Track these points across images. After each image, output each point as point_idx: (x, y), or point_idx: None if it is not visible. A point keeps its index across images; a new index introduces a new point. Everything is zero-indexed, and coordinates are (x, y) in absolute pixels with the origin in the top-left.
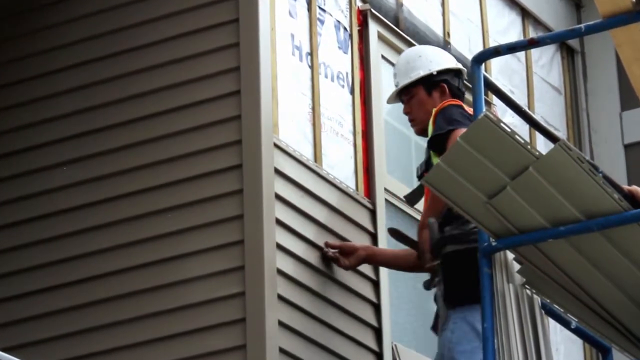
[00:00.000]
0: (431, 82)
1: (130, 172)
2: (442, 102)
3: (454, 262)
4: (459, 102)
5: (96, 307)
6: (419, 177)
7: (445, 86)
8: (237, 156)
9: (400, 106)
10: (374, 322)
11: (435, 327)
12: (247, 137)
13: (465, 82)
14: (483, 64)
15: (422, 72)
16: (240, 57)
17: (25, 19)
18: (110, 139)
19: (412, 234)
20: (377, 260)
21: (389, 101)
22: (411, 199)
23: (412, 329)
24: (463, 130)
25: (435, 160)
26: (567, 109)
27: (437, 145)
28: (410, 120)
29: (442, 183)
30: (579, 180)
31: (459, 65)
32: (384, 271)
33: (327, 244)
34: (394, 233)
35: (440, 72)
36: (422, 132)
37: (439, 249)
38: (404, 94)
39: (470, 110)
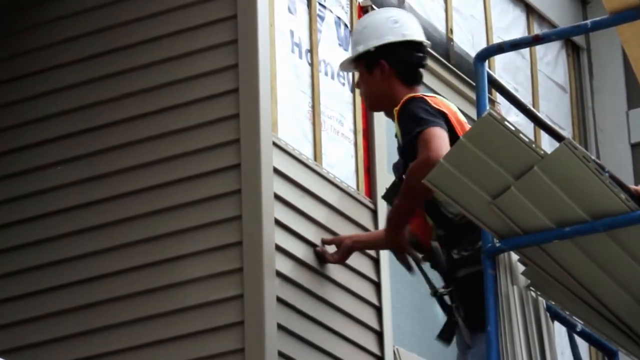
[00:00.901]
0: (370, 59)
1: (125, 171)
2: (383, 80)
3: (469, 285)
4: (418, 95)
5: (91, 309)
6: (399, 178)
7: (385, 63)
8: (235, 155)
9: None
10: (375, 326)
11: (442, 336)
12: (246, 136)
13: (427, 57)
14: (486, 61)
15: (361, 49)
16: (238, 54)
17: (18, 16)
18: (105, 138)
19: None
20: (363, 245)
21: (341, 68)
22: (389, 197)
23: (414, 332)
24: (437, 128)
25: None
26: (573, 107)
27: (409, 149)
28: (361, 95)
29: (444, 182)
30: (584, 180)
31: (410, 37)
32: (385, 273)
33: (323, 240)
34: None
35: (381, 48)
36: (372, 108)
37: (451, 273)
38: (355, 66)
39: (434, 100)
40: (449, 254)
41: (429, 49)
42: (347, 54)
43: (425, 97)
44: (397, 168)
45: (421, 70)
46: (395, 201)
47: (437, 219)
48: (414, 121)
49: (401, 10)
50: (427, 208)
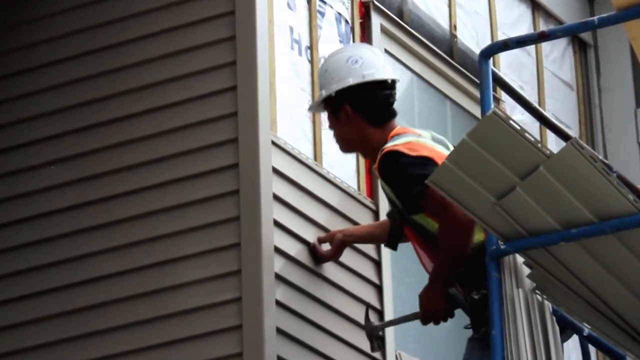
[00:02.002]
0: (334, 104)
1: (121, 171)
2: (350, 124)
3: None
4: (393, 149)
5: (86, 312)
6: (396, 225)
7: (348, 107)
8: (233, 155)
9: (402, 102)
10: None
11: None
12: (244, 134)
13: (395, 92)
14: (491, 58)
15: (323, 94)
16: (236, 51)
17: (10, 12)
18: (100, 137)
19: None
20: (355, 239)
21: (310, 110)
22: (393, 244)
23: (416, 336)
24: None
25: (421, 218)
26: (580, 106)
27: (414, 209)
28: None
29: (448, 183)
30: (591, 180)
31: (370, 77)
32: (387, 276)
33: (319, 239)
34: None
35: (342, 92)
36: (344, 151)
37: (479, 314)
38: (323, 109)
39: (411, 147)
40: (469, 296)
41: (397, 82)
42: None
43: (399, 148)
44: (393, 216)
45: (391, 107)
46: (435, 266)
47: None
48: (407, 182)
49: (364, 48)
50: None
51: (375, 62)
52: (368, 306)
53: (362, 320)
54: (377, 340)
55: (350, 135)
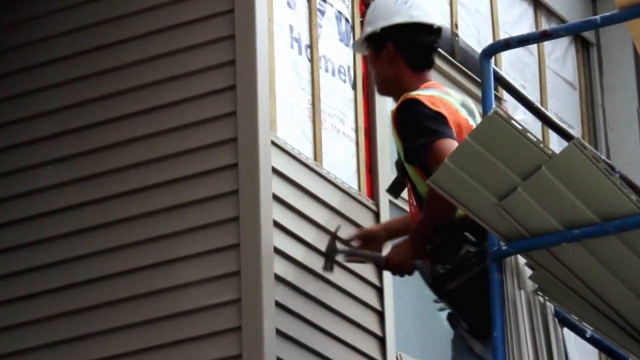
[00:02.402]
0: (378, 41)
1: (119, 171)
2: (390, 63)
3: (462, 297)
4: (414, 97)
5: (85, 313)
6: (401, 176)
7: (391, 46)
8: (232, 155)
9: None
10: (377, 331)
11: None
12: (243, 134)
13: (439, 46)
14: (493, 58)
15: (369, 30)
16: (235, 50)
17: (9, 10)
18: (98, 137)
19: None
20: (398, 235)
21: (353, 48)
22: (395, 191)
23: (417, 337)
24: (444, 141)
25: (415, 175)
26: (582, 105)
27: (413, 159)
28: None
29: (449, 184)
30: (594, 181)
31: (418, 18)
32: (388, 278)
33: (333, 234)
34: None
35: (388, 29)
36: (380, 93)
37: (439, 290)
38: (366, 47)
39: (432, 100)
40: (434, 269)
41: (444, 33)
42: (348, 49)
43: (421, 98)
44: (398, 167)
45: (432, 54)
46: (418, 222)
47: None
48: (417, 131)
49: None
50: None
51: (424, 6)
52: (337, 231)
53: (362, 322)
54: (332, 262)
55: (388, 76)
